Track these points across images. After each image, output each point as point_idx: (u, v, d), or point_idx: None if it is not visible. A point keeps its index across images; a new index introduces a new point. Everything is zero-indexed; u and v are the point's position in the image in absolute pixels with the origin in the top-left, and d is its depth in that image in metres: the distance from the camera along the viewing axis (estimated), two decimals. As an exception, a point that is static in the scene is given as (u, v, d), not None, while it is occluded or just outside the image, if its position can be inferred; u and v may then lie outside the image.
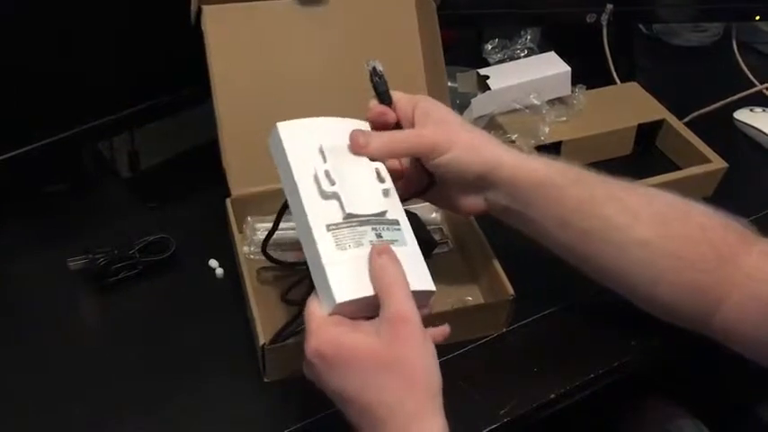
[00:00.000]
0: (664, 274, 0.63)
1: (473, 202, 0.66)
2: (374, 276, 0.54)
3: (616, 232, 0.64)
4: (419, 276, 0.57)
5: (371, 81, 0.63)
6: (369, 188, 0.59)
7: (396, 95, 0.64)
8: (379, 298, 0.53)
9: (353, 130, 0.62)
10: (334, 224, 0.56)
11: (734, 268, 0.61)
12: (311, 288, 0.60)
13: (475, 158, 0.63)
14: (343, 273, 0.54)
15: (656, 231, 0.63)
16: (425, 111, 0.63)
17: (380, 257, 0.54)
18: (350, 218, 0.57)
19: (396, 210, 0.60)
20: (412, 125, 0.63)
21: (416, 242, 0.59)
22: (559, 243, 0.66)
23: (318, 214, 0.56)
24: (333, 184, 0.57)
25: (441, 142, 0.62)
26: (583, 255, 0.66)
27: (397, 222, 0.59)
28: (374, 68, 0.63)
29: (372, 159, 0.61)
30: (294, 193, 0.58)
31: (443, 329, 0.56)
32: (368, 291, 0.54)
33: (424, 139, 0.62)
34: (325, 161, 0.59)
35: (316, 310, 0.55)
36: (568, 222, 0.64)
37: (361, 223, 0.57)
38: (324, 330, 0.53)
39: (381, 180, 0.60)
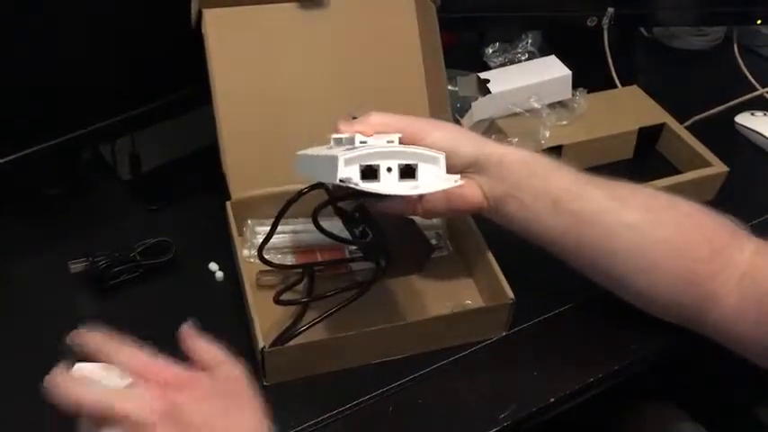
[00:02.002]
0: (655, 262, 0.64)
1: (469, 192, 0.67)
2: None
3: (606, 215, 0.65)
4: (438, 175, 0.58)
5: None
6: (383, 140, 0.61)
7: None
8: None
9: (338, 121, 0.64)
10: (349, 148, 0.58)
11: (727, 263, 0.62)
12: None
13: (464, 139, 0.66)
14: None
15: (643, 216, 0.64)
16: None
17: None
18: (364, 143, 0.59)
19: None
20: None
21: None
22: (552, 230, 0.66)
23: (336, 150, 0.59)
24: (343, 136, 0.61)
25: (427, 124, 0.65)
26: (574, 242, 0.66)
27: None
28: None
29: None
30: (319, 164, 0.62)
31: None
32: None
33: (411, 119, 0.64)
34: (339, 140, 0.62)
35: None
36: (558, 202, 0.65)
37: (375, 146, 0.58)
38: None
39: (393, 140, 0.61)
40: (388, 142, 0.59)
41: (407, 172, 0.57)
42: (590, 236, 0.65)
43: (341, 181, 0.55)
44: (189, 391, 0.49)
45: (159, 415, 0.47)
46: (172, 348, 0.70)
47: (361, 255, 0.75)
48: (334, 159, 0.55)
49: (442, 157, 0.58)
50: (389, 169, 0.56)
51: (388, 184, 0.56)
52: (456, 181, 0.57)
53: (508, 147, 0.68)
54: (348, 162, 0.55)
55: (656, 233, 0.64)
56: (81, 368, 0.65)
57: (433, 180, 0.57)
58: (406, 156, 0.57)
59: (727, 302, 0.61)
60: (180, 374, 0.51)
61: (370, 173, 0.56)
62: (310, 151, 0.65)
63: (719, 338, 0.63)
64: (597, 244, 0.65)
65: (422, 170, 0.57)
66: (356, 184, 0.54)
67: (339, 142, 0.62)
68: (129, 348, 0.51)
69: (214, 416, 0.49)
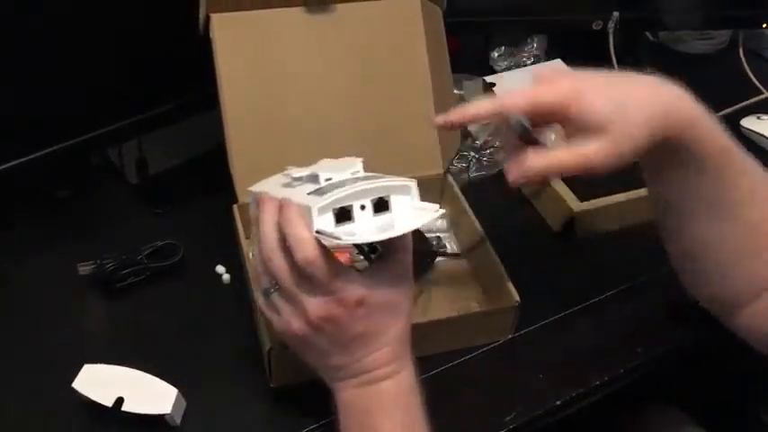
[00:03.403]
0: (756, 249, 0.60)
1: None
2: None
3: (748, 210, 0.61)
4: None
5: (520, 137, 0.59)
6: (347, 172, 0.58)
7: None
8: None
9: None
10: (315, 189, 0.56)
11: None
12: None
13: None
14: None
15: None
16: None
17: None
18: (329, 180, 0.56)
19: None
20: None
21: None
22: (710, 232, 0.61)
23: (298, 191, 0.56)
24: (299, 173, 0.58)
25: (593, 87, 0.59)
26: (705, 209, 0.61)
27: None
28: (522, 126, 0.59)
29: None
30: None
31: None
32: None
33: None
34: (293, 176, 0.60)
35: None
36: (737, 210, 0.60)
37: (342, 183, 0.56)
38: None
39: (357, 169, 0.58)
40: (353, 174, 0.57)
41: (381, 204, 0.55)
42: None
43: (318, 232, 0.53)
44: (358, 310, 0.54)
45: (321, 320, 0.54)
46: (178, 350, 0.71)
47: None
48: (306, 209, 0.53)
49: (413, 185, 0.56)
50: (363, 207, 0.54)
51: (363, 232, 0.54)
52: (436, 211, 0.55)
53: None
54: (322, 211, 0.53)
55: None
56: (90, 369, 0.65)
57: (410, 212, 0.55)
58: (377, 190, 0.55)
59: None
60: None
61: (343, 214, 0.54)
62: (260, 188, 0.62)
63: (744, 333, 0.63)
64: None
65: (395, 202, 0.55)
66: (338, 238, 0.52)
67: (299, 180, 0.59)
68: None
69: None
